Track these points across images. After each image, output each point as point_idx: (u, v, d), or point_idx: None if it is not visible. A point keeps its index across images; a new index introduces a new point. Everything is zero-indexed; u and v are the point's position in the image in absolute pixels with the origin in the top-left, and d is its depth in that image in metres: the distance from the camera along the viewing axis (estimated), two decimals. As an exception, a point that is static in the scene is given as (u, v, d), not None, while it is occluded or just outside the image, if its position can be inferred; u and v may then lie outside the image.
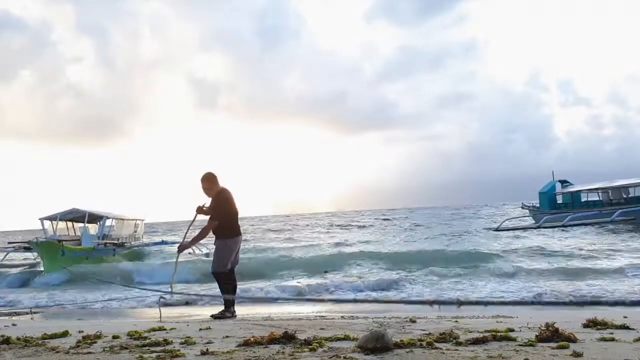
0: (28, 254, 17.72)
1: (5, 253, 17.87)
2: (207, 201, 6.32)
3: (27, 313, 8.38)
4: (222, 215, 6.12)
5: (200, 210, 6.28)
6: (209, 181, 6.18)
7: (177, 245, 7.08)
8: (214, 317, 6.05)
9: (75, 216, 17.10)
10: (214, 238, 6.28)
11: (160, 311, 6.43)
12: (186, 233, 6.82)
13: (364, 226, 41.65)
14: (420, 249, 17.39)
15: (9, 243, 19.17)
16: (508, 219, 30.78)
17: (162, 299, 6.63)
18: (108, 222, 17.23)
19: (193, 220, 6.42)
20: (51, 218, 16.42)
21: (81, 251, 15.33)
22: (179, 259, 6.93)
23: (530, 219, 29.98)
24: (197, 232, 6.43)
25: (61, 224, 16.99)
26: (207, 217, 6.29)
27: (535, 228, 26.15)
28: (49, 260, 13.71)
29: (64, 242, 14.98)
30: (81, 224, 17.98)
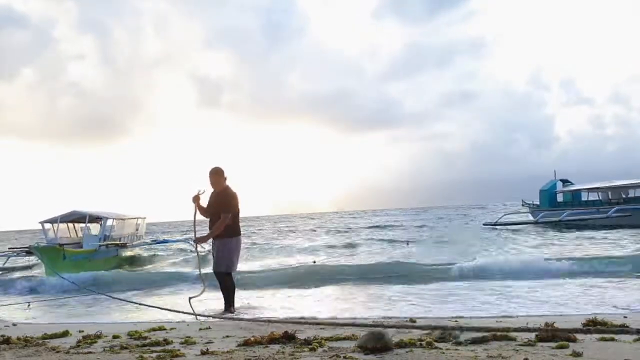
0: (31, 258, 17.71)
1: (6, 257, 17.95)
2: (202, 189, 6.33)
3: (25, 305, 8.42)
4: (232, 209, 6.17)
5: (197, 200, 6.29)
6: (217, 175, 6.32)
7: (191, 240, 7.00)
8: (214, 316, 6.07)
9: (75, 218, 17.11)
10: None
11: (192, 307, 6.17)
12: (194, 228, 6.71)
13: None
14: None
15: (9, 249, 19.22)
16: (505, 214, 30.94)
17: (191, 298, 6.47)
18: (109, 223, 17.20)
19: (195, 213, 6.42)
20: (51, 221, 16.38)
21: (83, 254, 15.27)
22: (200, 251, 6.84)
23: (529, 216, 30.23)
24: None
25: (62, 226, 16.97)
26: (202, 213, 6.37)
27: (532, 223, 26.53)
28: (50, 265, 13.61)
29: (65, 246, 14.93)
30: (82, 225, 17.96)
